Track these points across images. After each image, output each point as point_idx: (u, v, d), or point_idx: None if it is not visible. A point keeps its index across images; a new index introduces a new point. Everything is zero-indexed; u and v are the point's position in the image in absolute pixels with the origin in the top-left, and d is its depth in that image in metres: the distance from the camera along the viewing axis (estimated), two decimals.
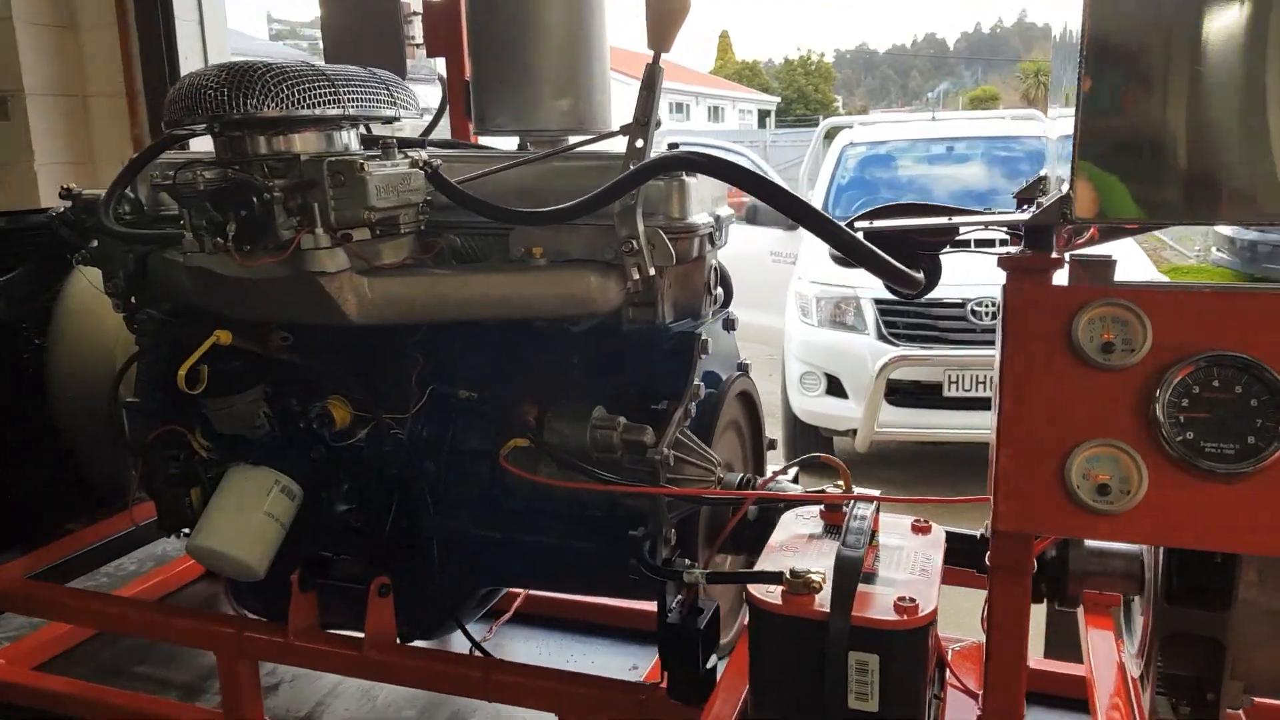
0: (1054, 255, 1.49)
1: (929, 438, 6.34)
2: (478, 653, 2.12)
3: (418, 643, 2.32)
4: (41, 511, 2.62)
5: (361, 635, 2.15)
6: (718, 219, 2.01)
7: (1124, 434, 1.40)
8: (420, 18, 2.90)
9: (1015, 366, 1.44)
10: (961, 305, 6.10)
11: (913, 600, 1.50)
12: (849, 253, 1.49)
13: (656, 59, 1.75)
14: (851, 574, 1.51)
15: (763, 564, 1.66)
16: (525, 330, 2.00)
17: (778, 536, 1.77)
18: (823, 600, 1.52)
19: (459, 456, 2.08)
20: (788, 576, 1.53)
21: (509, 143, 2.45)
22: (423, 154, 1.84)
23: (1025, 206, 2.04)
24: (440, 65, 3.00)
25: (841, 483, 1.83)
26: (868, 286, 6.14)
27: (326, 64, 1.90)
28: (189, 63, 4.72)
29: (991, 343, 5.34)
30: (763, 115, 44.86)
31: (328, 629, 2.22)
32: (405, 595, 2.15)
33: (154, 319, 2.22)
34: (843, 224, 1.51)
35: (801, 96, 56.18)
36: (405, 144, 1.85)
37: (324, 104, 1.68)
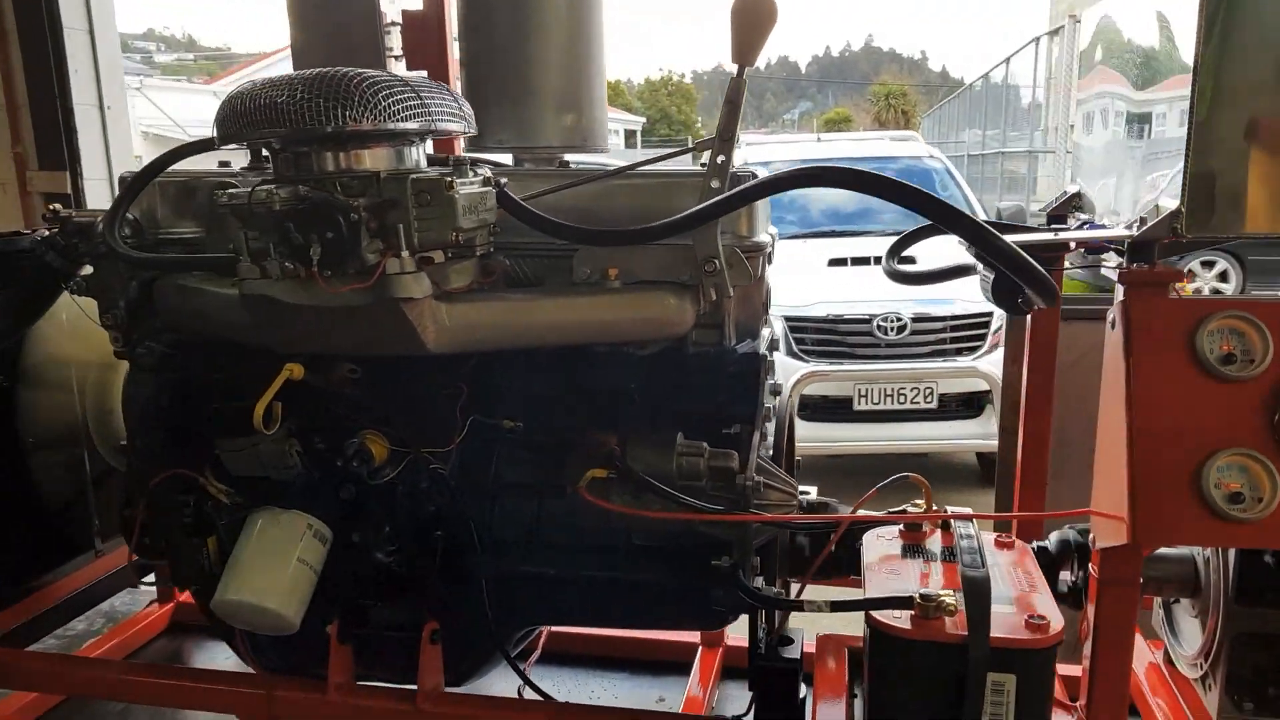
0: (1163, 268, 1.53)
1: (841, 450, 6.46)
2: (532, 694, 2.01)
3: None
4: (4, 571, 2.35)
5: (395, 686, 2.02)
6: (772, 238, 1.98)
7: (1253, 443, 1.44)
8: (399, 29, 2.76)
9: (1143, 379, 1.47)
10: (868, 321, 6.27)
11: (1043, 618, 1.50)
12: (1009, 262, 1.47)
13: (741, 73, 1.71)
14: (985, 595, 1.50)
15: (871, 588, 1.63)
16: (580, 355, 1.92)
17: (870, 558, 1.75)
18: (954, 623, 1.50)
19: (511, 491, 1.98)
20: (919, 600, 1.50)
21: (504, 159, 2.36)
22: (488, 171, 1.74)
23: (1060, 222, 2.09)
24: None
25: (921, 502, 1.83)
26: (775, 304, 6.24)
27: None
28: (80, 75, 4.38)
29: (898, 357, 5.52)
30: (629, 135, 45.28)
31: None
32: (447, 640, 2.02)
33: (155, 352, 2.03)
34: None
35: (665, 116, 57.01)
36: (472, 162, 1.75)
37: (413, 117, 1.56)
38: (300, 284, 1.59)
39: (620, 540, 1.92)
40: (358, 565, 1.98)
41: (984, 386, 6.11)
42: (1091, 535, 1.66)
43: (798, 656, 1.74)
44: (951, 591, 1.53)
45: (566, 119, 2.27)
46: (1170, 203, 1.52)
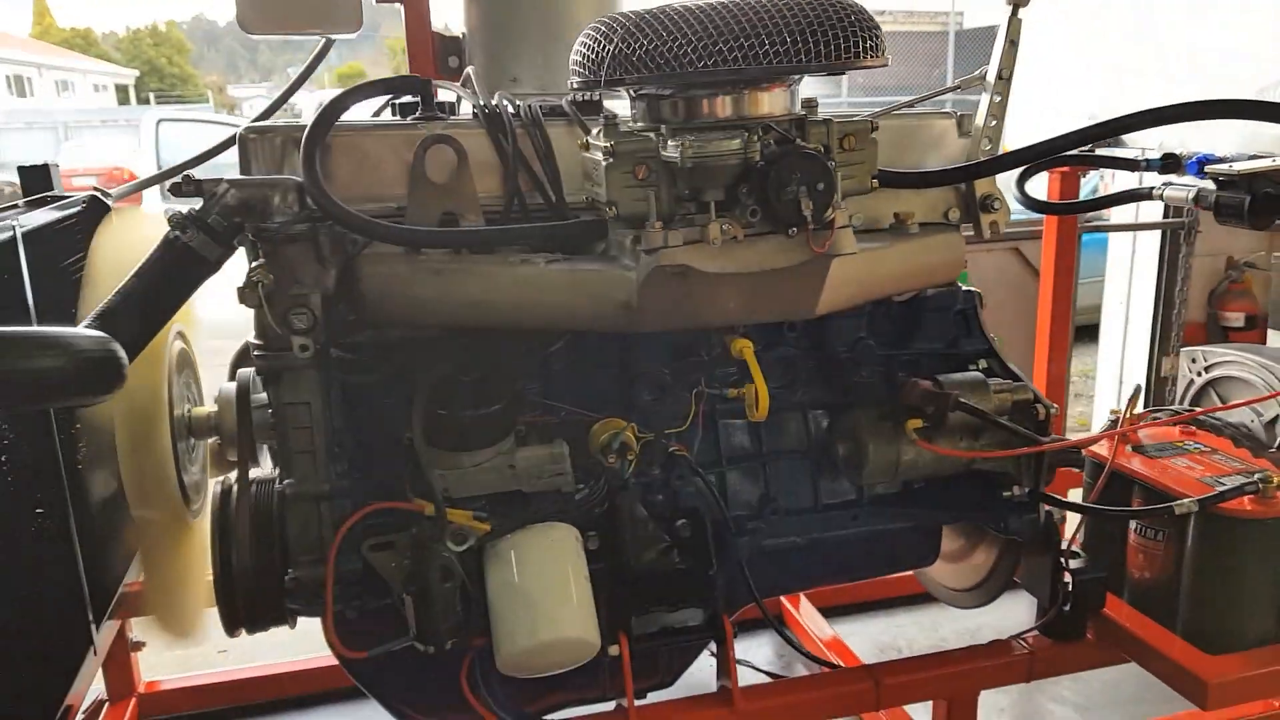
0: None
1: None
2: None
3: None
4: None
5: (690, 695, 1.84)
6: None
7: None
8: None
9: None
10: None
11: None
12: None
13: (1015, 11, 1.73)
14: None
15: (1170, 482, 1.81)
16: None
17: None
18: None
19: (773, 460, 1.86)
20: (1260, 482, 1.71)
21: None
22: None
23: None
24: None
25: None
26: None
27: None
28: None
29: None
30: (120, 89, 39.72)
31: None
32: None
33: (350, 358, 1.58)
34: None
35: (154, 69, 50.44)
36: None
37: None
38: (717, 248, 1.35)
39: (868, 492, 1.91)
40: (625, 570, 1.74)
41: None
42: None
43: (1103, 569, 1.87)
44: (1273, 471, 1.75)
45: None
46: None
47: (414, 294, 1.51)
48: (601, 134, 1.46)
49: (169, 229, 1.44)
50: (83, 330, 1.17)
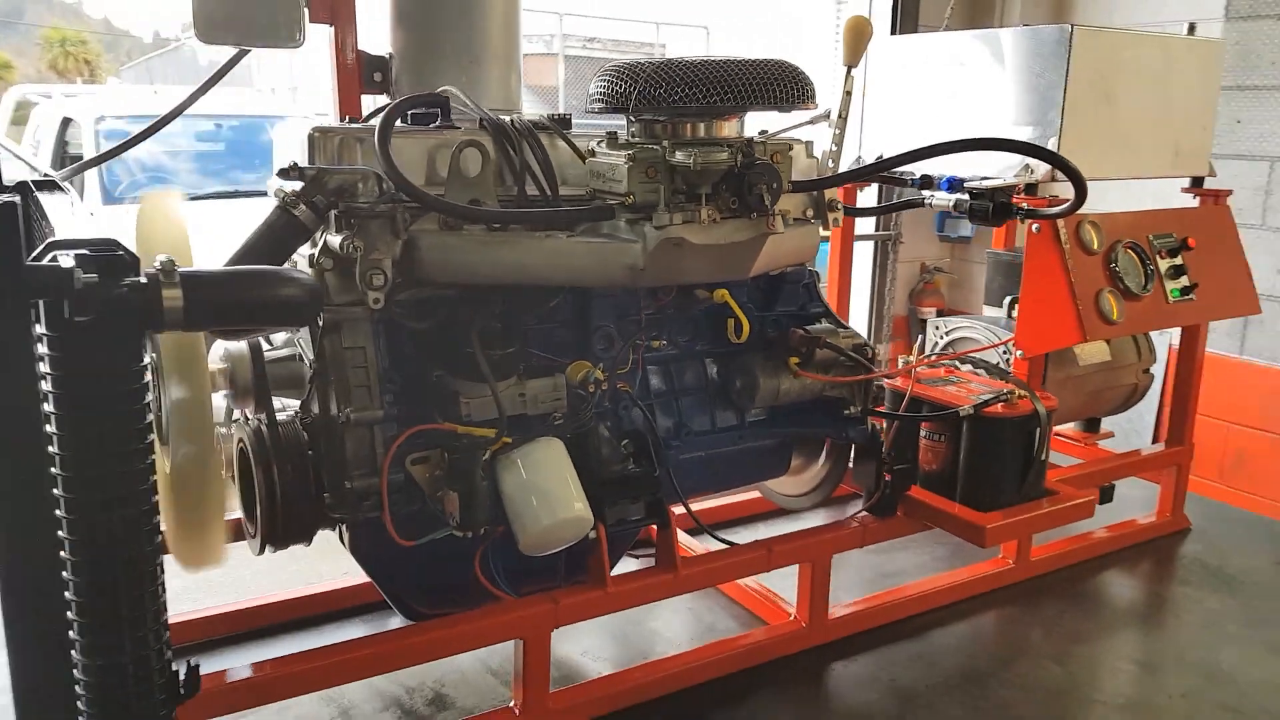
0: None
1: None
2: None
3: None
4: None
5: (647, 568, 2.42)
6: None
7: (1106, 283, 2.80)
8: None
9: (1071, 256, 2.72)
10: None
11: (1049, 396, 2.67)
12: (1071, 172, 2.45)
13: (849, 71, 2.46)
14: (1030, 388, 2.61)
15: (946, 400, 2.63)
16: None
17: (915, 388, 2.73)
18: (1023, 405, 2.58)
19: (682, 395, 2.46)
20: (1008, 396, 2.56)
21: None
22: None
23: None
24: None
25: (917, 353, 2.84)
26: None
27: None
28: None
29: None
30: None
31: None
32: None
33: (400, 311, 2.01)
34: None
35: None
36: None
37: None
38: (702, 227, 1.95)
39: (747, 418, 2.58)
40: (594, 475, 2.27)
41: None
42: (1016, 350, 2.87)
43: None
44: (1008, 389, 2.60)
45: (511, 79, 2.65)
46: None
47: (464, 259, 1.98)
48: (606, 144, 2.03)
49: (279, 204, 1.83)
50: (297, 270, 1.56)
